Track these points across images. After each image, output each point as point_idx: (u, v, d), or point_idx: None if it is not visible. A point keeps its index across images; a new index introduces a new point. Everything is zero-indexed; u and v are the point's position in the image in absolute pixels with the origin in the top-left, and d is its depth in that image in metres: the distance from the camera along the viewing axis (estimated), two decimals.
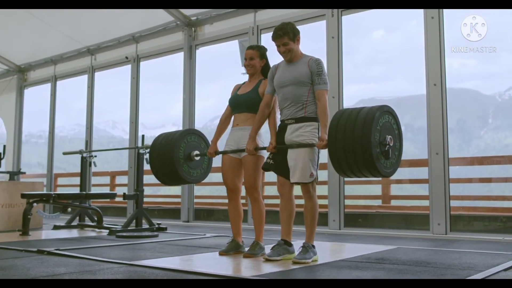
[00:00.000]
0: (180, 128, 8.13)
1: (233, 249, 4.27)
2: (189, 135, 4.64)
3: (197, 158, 4.63)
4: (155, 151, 4.63)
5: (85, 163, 7.57)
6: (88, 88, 9.65)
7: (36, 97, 11.27)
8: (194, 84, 8.16)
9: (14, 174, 8.60)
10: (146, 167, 6.69)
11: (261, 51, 4.39)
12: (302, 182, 3.80)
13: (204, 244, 4.71)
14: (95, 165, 7.66)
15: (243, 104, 4.31)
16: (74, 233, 6.47)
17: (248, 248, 4.18)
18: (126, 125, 8.96)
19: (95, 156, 7.67)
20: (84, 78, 9.78)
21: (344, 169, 3.54)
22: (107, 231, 6.24)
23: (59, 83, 10.43)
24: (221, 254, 4.22)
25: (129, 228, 6.23)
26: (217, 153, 4.39)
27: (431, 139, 5.78)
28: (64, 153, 8.36)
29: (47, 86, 10.55)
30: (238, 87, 4.47)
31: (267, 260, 3.80)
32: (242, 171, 4.31)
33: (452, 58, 5.92)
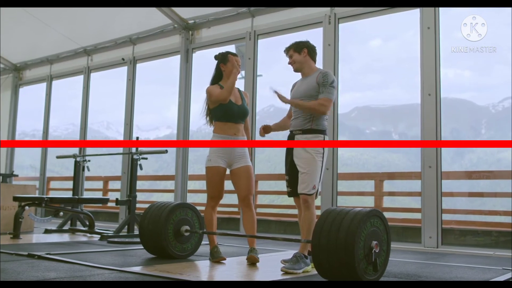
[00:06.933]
0: (175, 131, 8.12)
1: (221, 253, 4.33)
2: (173, 213, 4.44)
3: (187, 234, 4.52)
4: (144, 234, 4.51)
5: (78, 167, 7.55)
6: (83, 89, 9.65)
7: (30, 96, 11.23)
8: (190, 87, 8.16)
9: (7, 177, 8.58)
10: (140, 172, 6.69)
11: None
12: (303, 193, 3.88)
13: (197, 252, 4.70)
14: (88, 170, 7.65)
15: (243, 116, 4.39)
16: (65, 237, 6.45)
17: (250, 252, 4.21)
18: (121, 126, 8.95)
19: (89, 161, 7.66)
20: (80, 78, 9.77)
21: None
22: (99, 236, 6.23)
23: (55, 82, 10.41)
24: (221, 260, 4.26)
25: (121, 233, 6.21)
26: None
27: (424, 151, 5.80)
28: (58, 157, 8.33)
29: (43, 86, 10.53)
30: (215, 93, 4.35)
31: (287, 272, 3.70)
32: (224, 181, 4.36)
33: (447, 69, 5.94)
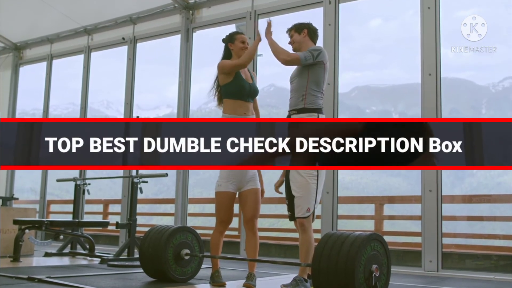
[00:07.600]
0: (175, 111, 8.17)
1: (222, 278, 4.32)
2: (173, 236, 4.46)
3: (187, 257, 4.53)
4: (144, 258, 4.53)
5: (79, 191, 7.56)
6: (84, 68, 9.62)
7: (31, 76, 11.16)
8: (190, 67, 8.18)
9: (7, 200, 8.59)
10: (140, 196, 6.69)
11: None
12: (298, 217, 3.88)
13: (197, 275, 4.70)
14: (88, 193, 7.65)
15: (254, 94, 4.39)
16: (66, 260, 6.44)
17: (248, 279, 4.21)
18: (121, 105, 8.94)
19: (89, 184, 7.67)
20: (80, 57, 9.75)
21: None
22: (99, 259, 6.22)
23: (55, 62, 10.36)
24: (221, 286, 4.26)
25: (121, 257, 6.20)
26: None
27: (424, 174, 5.80)
28: (58, 180, 8.37)
29: (43, 65, 10.48)
30: (229, 62, 4.33)
31: None
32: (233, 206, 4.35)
33: (447, 49, 5.94)
